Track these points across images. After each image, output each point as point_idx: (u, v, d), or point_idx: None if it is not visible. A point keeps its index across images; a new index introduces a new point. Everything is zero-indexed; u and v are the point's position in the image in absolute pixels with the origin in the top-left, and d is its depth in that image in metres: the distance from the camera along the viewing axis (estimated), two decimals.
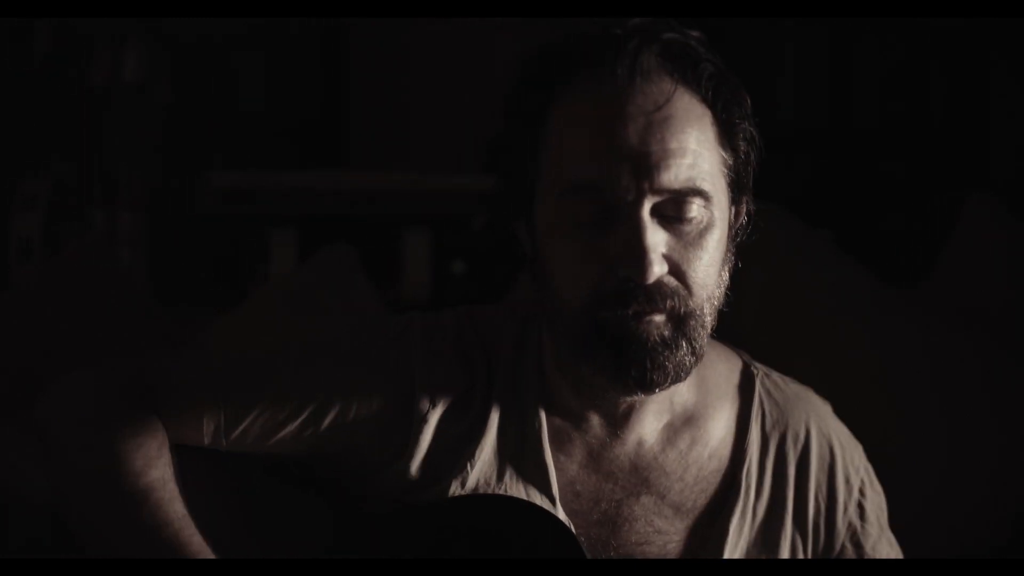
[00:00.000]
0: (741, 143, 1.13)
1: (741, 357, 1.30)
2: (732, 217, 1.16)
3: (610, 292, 1.08)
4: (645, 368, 1.09)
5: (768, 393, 1.27)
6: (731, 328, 1.98)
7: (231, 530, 1.15)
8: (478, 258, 2.60)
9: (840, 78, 2.79)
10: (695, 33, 1.13)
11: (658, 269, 1.07)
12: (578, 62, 1.11)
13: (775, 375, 1.30)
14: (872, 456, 1.82)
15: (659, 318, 1.09)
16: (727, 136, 1.12)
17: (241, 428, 1.17)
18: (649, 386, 1.11)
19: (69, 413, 1.17)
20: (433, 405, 1.17)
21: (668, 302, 1.09)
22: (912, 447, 1.88)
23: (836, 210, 2.70)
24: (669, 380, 1.11)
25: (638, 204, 1.07)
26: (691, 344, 1.11)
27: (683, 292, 1.10)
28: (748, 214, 1.18)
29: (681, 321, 1.10)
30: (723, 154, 1.12)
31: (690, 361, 1.12)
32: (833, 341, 1.97)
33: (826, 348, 1.97)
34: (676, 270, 1.09)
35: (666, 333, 1.10)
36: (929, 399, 1.90)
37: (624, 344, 1.09)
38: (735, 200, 1.15)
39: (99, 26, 2.61)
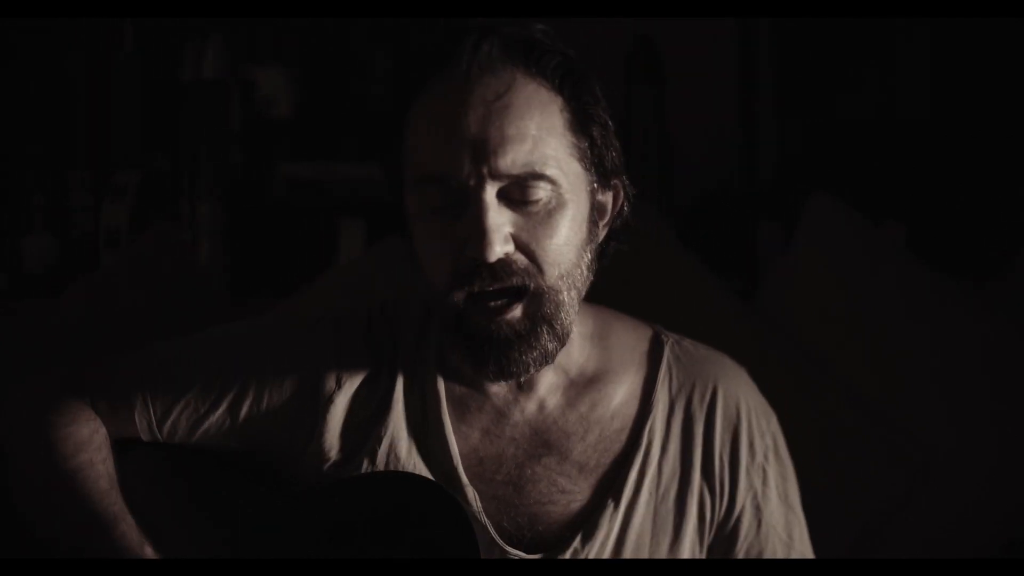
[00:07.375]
0: (595, 128, 1.17)
1: (653, 328, 1.34)
2: (599, 199, 1.20)
3: (462, 272, 1.13)
4: (501, 363, 1.15)
5: (677, 358, 1.30)
6: (787, 324, 1.96)
7: (164, 511, 1.25)
8: None
9: (934, 71, 2.73)
10: (540, 26, 1.18)
11: (499, 249, 1.11)
12: (432, 61, 1.16)
13: (687, 342, 1.33)
14: (932, 458, 1.76)
15: (514, 314, 1.14)
16: (579, 122, 1.16)
17: (170, 421, 1.26)
18: (510, 377, 1.16)
19: (18, 410, 1.30)
20: (339, 386, 1.24)
21: (516, 279, 1.13)
22: (973, 453, 1.83)
23: (915, 203, 2.65)
24: (532, 368, 1.16)
25: (480, 188, 1.11)
26: (552, 327, 1.15)
27: (532, 270, 1.14)
28: (626, 196, 1.23)
29: (536, 304, 1.14)
30: (574, 139, 1.16)
31: (553, 346, 1.16)
32: (891, 341, 1.93)
33: (884, 348, 1.93)
34: (525, 249, 1.14)
35: (521, 328, 1.14)
36: (990, 404, 1.85)
37: (479, 339, 1.15)
38: (602, 183, 1.19)
39: (185, 22, 2.69)
